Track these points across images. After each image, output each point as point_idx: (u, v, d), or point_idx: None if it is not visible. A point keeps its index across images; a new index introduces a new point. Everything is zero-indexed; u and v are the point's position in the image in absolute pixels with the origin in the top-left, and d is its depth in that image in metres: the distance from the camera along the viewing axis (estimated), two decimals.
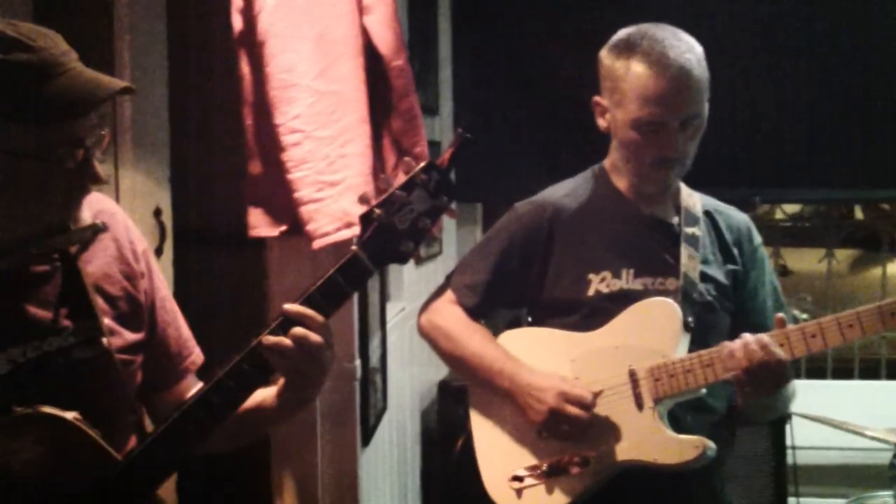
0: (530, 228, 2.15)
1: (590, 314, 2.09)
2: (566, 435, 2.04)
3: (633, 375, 2.04)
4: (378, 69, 2.49)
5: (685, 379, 2.00)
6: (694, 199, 2.18)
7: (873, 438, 2.65)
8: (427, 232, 1.49)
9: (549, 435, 2.07)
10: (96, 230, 1.50)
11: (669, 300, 2.05)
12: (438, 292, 2.25)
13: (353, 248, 1.48)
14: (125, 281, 1.59)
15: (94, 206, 1.54)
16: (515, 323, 2.34)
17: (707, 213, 2.18)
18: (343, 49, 2.39)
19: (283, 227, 2.44)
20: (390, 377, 3.07)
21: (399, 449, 3.32)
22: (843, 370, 4.47)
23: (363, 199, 1.48)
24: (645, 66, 2.00)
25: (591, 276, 2.09)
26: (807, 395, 3.65)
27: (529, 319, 2.23)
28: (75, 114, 1.41)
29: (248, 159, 2.44)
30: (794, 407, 3.36)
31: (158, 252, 2.55)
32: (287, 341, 1.45)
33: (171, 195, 2.68)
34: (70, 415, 1.41)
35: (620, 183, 2.16)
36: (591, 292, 2.09)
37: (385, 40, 2.49)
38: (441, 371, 3.49)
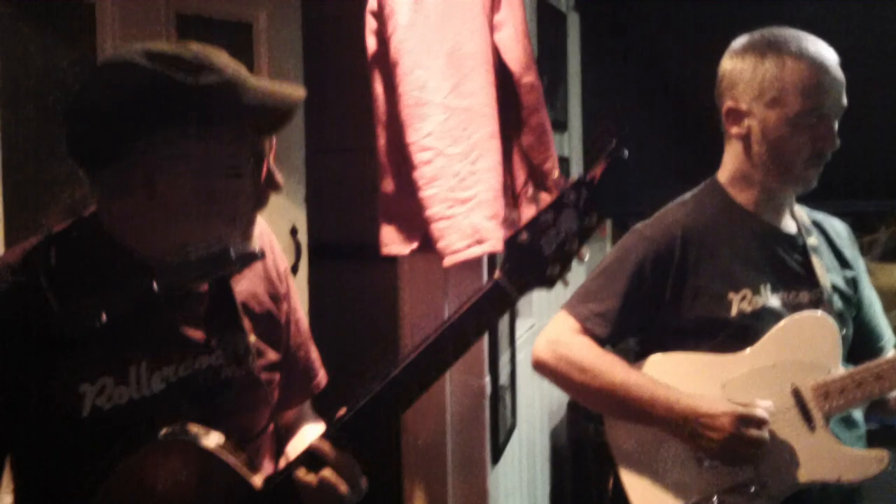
0: (661, 250, 2.05)
1: (734, 335, 2.00)
2: (742, 460, 1.94)
3: (797, 393, 1.97)
4: (508, 85, 2.50)
5: (857, 393, 1.95)
6: (802, 211, 2.15)
7: None
8: (575, 254, 1.42)
9: (721, 462, 1.96)
10: (255, 258, 1.49)
11: (823, 313, 2.00)
12: (557, 323, 2.09)
13: (497, 274, 1.42)
14: (270, 301, 1.60)
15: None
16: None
17: (815, 223, 2.14)
18: (474, 65, 2.40)
19: (415, 245, 2.46)
20: (519, 394, 3.05)
21: (528, 466, 3.30)
22: None
23: (508, 223, 1.43)
24: (802, 59, 1.97)
25: (731, 294, 2.01)
26: None
27: (638, 348, 2.11)
28: (272, 127, 1.41)
29: (380, 177, 2.47)
30: None
31: (294, 270, 2.60)
32: (312, 481, 1.40)
33: (307, 214, 2.73)
34: (214, 439, 1.41)
35: (741, 197, 2.09)
36: (734, 312, 2.00)
37: (515, 56, 2.49)
38: None
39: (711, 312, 2.01)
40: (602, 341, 2.04)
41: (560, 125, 3.64)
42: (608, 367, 2.01)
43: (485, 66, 2.42)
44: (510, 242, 1.41)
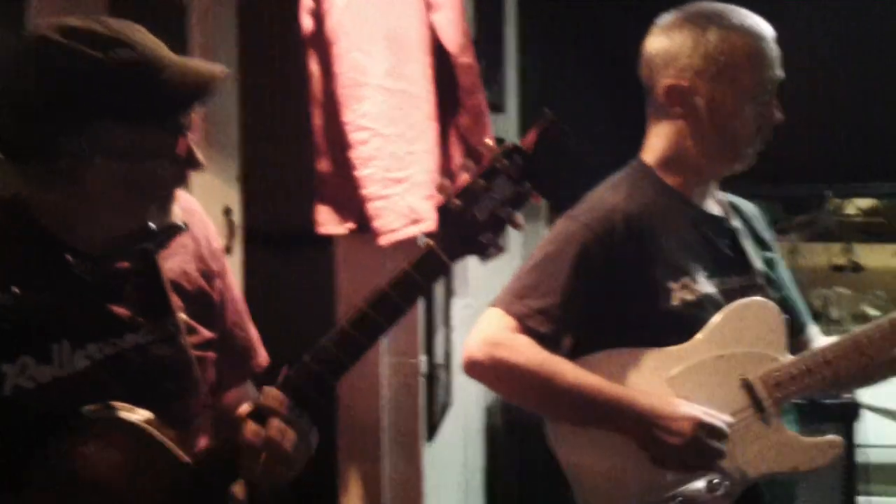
0: (602, 239, 1.91)
1: (676, 326, 1.91)
2: (696, 467, 1.86)
3: (748, 385, 1.91)
4: (445, 66, 2.50)
5: (808, 380, 1.91)
6: (720, 194, 2.08)
7: None
8: (509, 222, 1.40)
9: (674, 468, 1.86)
10: (177, 230, 1.48)
11: (765, 300, 1.96)
12: (492, 322, 1.91)
13: (429, 241, 1.40)
14: (202, 279, 1.58)
15: (177, 200, 1.50)
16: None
17: (731, 205, 2.09)
18: (411, 47, 2.40)
19: (351, 225, 2.46)
20: (455, 373, 3.08)
21: (464, 444, 3.33)
22: None
23: (442, 189, 1.40)
24: (746, 31, 1.92)
25: (671, 284, 1.91)
26: (880, 387, 3.61)
27: (573, 346, 1.96)
28: (190, 106, 1.39)
29: (316, 157, 2.47)
30: (865, 400, 3.32)
31: (228, 251, 2.59)
32: (262, 434, 1.38)
33: (241, 194, 2.71)
34: (142, 416, 1.40)
35: (672, 179, 1.99)
36: (675, 302, 1.90)
37: (452, 37, 2.50)
38: None
39: (654, 304, 1.91)
40: (544, 340, 1.89)
41: (497, 107, 3.66)
42: (556, 368, 1.87)
43: (422, 47, 2.43)
44: (443, 210, 1.39)
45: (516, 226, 1.42)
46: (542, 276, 1.92)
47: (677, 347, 1.91)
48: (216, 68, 1.42)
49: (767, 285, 2.03)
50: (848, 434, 3.30)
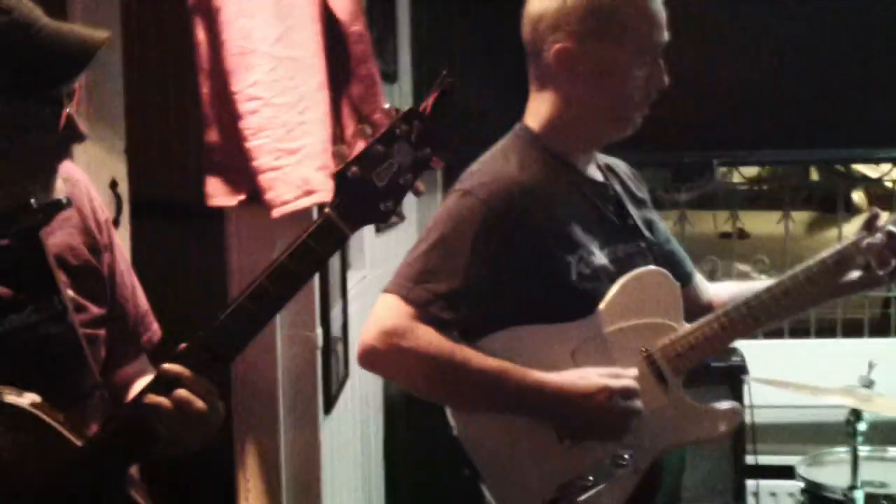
0: (503, 216, 1.83)
1: (575, 300, 1.88)
2: (618, 434, 1.84)
3: (649, 356, 1.91)
4: (336, 35, 2.47)
5: (706, 347, 1.92)
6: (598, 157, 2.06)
7: (825, 393, 2.69)
8: (410, 188, 1.37)
9: (597, 439, 1.85)
10: (60, 207, 1.41)
11: (659, 269, 1.96)
12: (390, 310, 1.81)
13: (327, 209, 1.37)
14: (89, 253, 1.53)
15: (62, 172, 1.46)
16: None
17: (608, 167, 2.07)
18: (301, 14, 2.36)
19: (242, 197, 2.41)
20: (352, 345, 3.07)
21: (362, 417, 3.33)
22: (799, 330, 4.55)
23: (339, 155, 1.37)
24: None
25: (569, 257, 1.87)
26: (764, 354, 3.74)
27: (470, 327, 1.86)
28: (71, 74, 1.33)
29: (204, 128, 2.42)
30: (752, 369, 3.44)
31: (115, 224, 2.52)
32: (167, 403, 1.35)
33: (127, 166, 2.64)
34: (29, 399, 1.35)
35: (559, 146, 1.94)
36: (573, 275, 1.87)
37: (343, 5, 2.47)
38: None
39: (553, 279, 1.86)
40: (447, 326, 1.81)
41: (390, 76, 3.64)
42: (462, 357, 1.80)
43: (311, 15, 2.39)
44: (340, 176, 1.36)
45: (417, 192, 1.41)
46: (441, 258, 1.83)
47: (578, 322, 1.88)
48: (98, 34, 1.36)
49: (650, 249, 2.03)
50: (735, 396, 3.41)
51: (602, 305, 1.90)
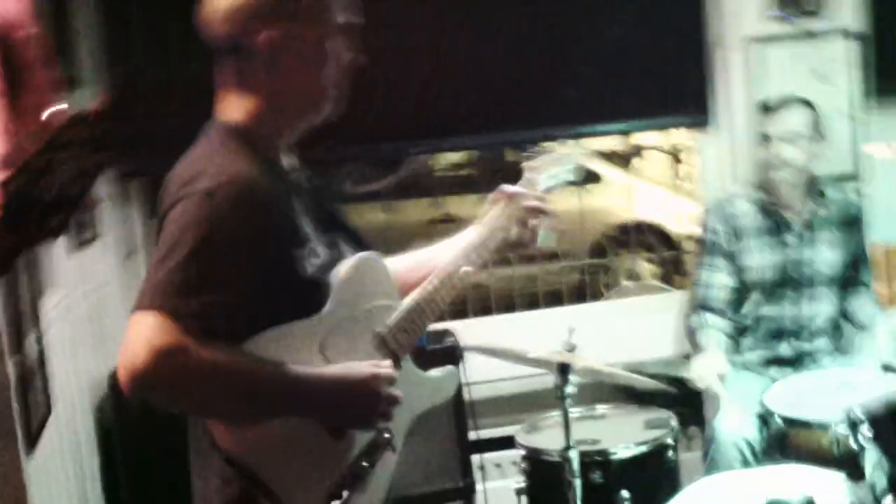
0: (249, 217, 1.79)
1: (310, 294, 1.90)
2: (383, 420, 1.93)
3: (380, 338, 2.01)
4: (6, 43, 2.29)
5: (423, 320, 2.07)
6: None
7: (534, 362, 2.80)
8: (81, 198, 1.28)
9: (364, 428, 1.93)
10: None
11: (370, 252, 2.04)
12: (153, 329, 1.69)
13: None
14: None
15: None
16: None
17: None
18: None
19: None
20: (52, 376, 2.85)
21: (73, 451, 3.11)
22: (506, 306, 4.74)
23: (4, 167, 1.26)
24: None
25: (300, 252, 1.88)
26: (476, 330, 3.86)
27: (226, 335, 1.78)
28: None
29: None
30: (465, 341, 3.54)
31: None
32: None
33: None
34: None
35: (265, 138, 1.93)
36: (307, 269, 1.89)
37: (7, 9, 2.29)
38: (110, 361, 3.30)
39: (291, 276, 1.86)
40: (218, 337, 1.73)
41: (75, 81, 3.41)
42: (238, 366, 1.76)
43: None
44: (3, 191, 1.24)
45: (89, 204, 1.31)
46: (205, 266, 1.73)
47: (318, 315, 1.91)
48: None
49: (352, 235, 2.08)
50: None
51: (332, 296, 1.93)
